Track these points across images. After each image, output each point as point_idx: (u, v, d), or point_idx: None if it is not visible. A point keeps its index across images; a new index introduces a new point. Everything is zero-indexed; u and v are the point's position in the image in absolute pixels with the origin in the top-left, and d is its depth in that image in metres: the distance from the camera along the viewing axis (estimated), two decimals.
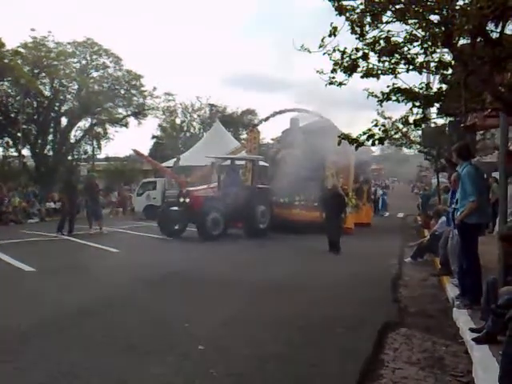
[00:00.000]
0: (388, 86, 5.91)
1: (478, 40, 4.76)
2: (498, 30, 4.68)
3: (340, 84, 6.13)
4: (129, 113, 36.33)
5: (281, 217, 17.92)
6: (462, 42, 5.09)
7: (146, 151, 42.95)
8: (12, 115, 31.52)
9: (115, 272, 10.29)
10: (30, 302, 7.61)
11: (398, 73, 5.74)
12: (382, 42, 5.40)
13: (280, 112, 21.61)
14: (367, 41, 5.52)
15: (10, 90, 31.59)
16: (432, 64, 5.68)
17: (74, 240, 15.85)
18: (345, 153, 18.31)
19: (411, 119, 6.09)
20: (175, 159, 26.36)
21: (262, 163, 20.86)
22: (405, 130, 8.77)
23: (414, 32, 5.36)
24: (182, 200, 16.65)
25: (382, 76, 5.93)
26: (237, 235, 16.95)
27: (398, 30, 5.43)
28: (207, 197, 16.78)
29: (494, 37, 4.68)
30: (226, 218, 16.24)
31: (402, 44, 5.47)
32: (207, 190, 17.51)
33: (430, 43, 5.34)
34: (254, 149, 21.84)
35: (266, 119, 23.34)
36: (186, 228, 17.03)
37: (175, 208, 16.80)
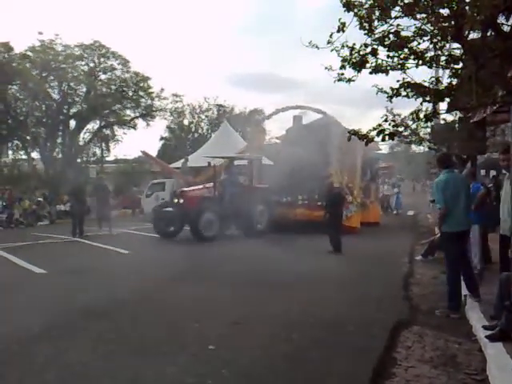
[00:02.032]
0: (398, 81, 5.87)
1: (489, 33, 4.71)
2: (510, 23, 4.63)
3: (349, 80, 6.10)
4: (137, 114, 36.43)
5: (283, 216, 17.46)
6: (472, 35, 5.05)
7: (154, 153, 43.09)
8: (21, 118, 31.70)
9: (125, 273, 10.29)
10: (40, 304, 7.62)
11: (407, 68, 5.71)
12: (391, 36, 5.36)
13: (283, 110, 21.14)
14: (376, 36, 5.48)
15: (18, 94, 31.78)
16: (442, 58, 5.63)
17: (83, 242, 15.90)
18: (351, 150, 18.15)
19: (421, 114, 6.03)
20: (183, 160, 26.36)
21: (266, 162, 20.63)
22: (414, 126, 8.73)
23: (423, 27, 5.32)
24: (176, 200, 16.37)
25: (390, 72, 5.89)
26: (237, 236, 16.70)
27: (406, 25, 5.41)
28: (201, 197, 16.42)
29: (505, 30, 4.63)
30: (222, 219, 15.87)
31: (411, 38, 5.44)
32: (203, 190, 17.13)
33: (439, 37, 5.29)
34: (258, 147, 21.26)
35: (269, 117, 23.06)
36: (182, 229, 16.57)
37: (169, 209, 16.47)
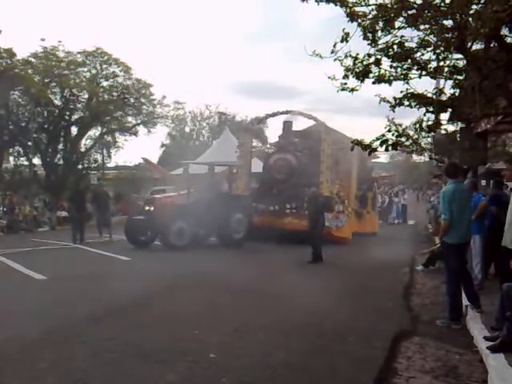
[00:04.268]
0: (401, 92, 5.90)
1: (492, 45, 4.74)
2: None
3: (352, 90, 6.12)
4: (138, 121, 36.38)
5: (270, 225, 16.73)
6: (475, 47, 5.08)
7: (155, 159, 43.13)
8: (23, 124, 31.70)
9: (126, 280, 10.26)
10: (41, 310, 7.59)
11: (410, 78, 5.74)
12: (395, 46, 5.39)
13: (273, 115, 20.31)
14: (379, 46, 5.51)
15: (20, 100, 31.77)
16: (445, 69, 5.66)
17: (84, 248, 15.87)
18: (345, 158, 17.98)
19: (424, 125, 6.06)
20: (184, 167, 26.30)
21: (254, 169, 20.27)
22: (415, 136, 8.79)
23: (427, 37, 5.35)
24: (146, 208, 15.74)
25: (393, 82, 5.92)
26: (214, 245, 16.44)
27: (410, 36, 5.44)
28: (173, 204, 15.79)
29: (508, 41, 4.65)
30: (195, 227, 15.35)
31: (414, 49, 5.46)
32: (176, 197, 16.60)
33: (442, 48, 5.32)
34: (246, 154, 20.35)
35: (259, 122, 22.61)
36: (156, 238, 15.82)
37: (140, 217, 15.80)
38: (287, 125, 19.89)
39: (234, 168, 18.62)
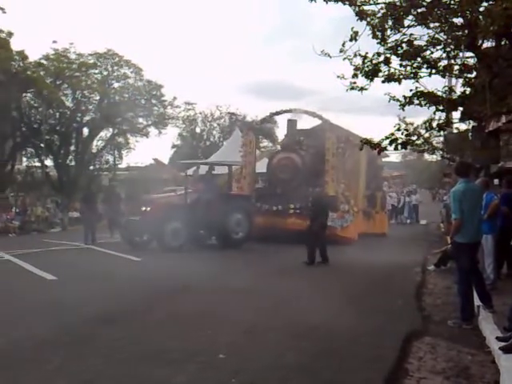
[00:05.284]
0: (411, 90, 5.87)
1: (503, 43, 4.69)
2: None
3: (361, 89, 6.08)
4: (149, 122, 36.56)
5: (273, 226, 16.52)
6: (485, 45, 5.03)
7: (166, 160, 43.22)
8: (35, 126, 31.90)
9: (137, 281, 10.28)
10: (52, 311, 7.63)
11: (420, 77, 5.70)
12: (404, 45, 5.36)
13: (276, 113, 19.97)
14: (389, 45, 5.48)
15: (32, 102, 32.02)
16: (455, 67, 5.62)
17: (95, 249, 15.94)
18: (353, 157, 17.78)
19: (435, 123, 6.02)
20: (195, 168, 26.34)
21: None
22: (427, 135, 8.73)
23: (436, 36, 5.31)
24: (143, 208, 15.54)
25: (403, 80, 5.88)
26: (213, 246, 16.24)
27: (419, 34, 5.41)
28: (168, 205, 15.71)
29: None
30: (192, 228, 15.14)
31: (424, 47, 5.42)
32: (173, 197, 16.48)
33: (452, 46, 5.28)
34: (249, 154, 19.87)
35: (262, 121, 22.38)
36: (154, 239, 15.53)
37: (136, 218, 15.60)
38: (291, 123, 19.64)
39: (235, 168, 18.49)
